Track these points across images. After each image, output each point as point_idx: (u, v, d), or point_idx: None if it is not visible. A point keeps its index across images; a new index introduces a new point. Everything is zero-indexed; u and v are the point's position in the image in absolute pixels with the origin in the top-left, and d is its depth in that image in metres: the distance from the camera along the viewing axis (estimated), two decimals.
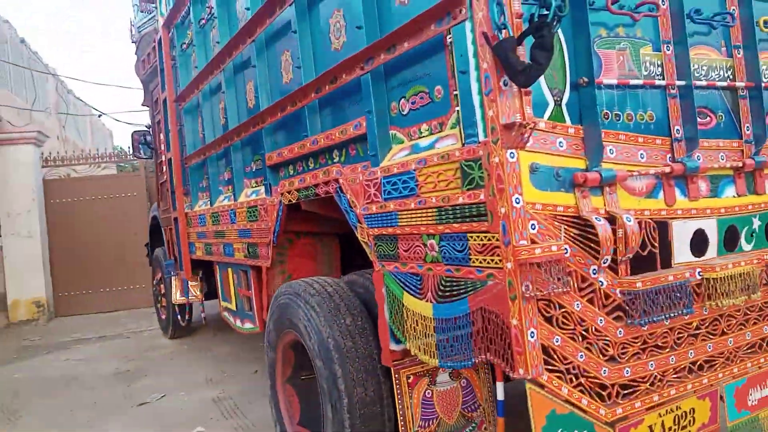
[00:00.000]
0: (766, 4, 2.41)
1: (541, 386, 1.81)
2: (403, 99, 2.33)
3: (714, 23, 2.24)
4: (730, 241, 2.29)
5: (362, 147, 2.55)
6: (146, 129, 7.09)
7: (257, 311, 3.93)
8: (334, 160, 2.84)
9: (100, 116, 19.17)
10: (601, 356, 1.94)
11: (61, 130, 14.48)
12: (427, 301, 2.20)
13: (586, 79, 1.92)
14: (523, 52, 1.72)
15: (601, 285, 1.92)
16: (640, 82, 2.06)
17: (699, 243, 2.21)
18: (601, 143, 1.92)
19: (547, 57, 1.72)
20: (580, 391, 1.89)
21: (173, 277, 6.16)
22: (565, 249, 1.87)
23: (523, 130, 1.77)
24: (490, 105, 1.78)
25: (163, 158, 5.84)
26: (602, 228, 1.87)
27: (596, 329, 1.93)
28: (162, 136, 5.78)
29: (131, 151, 7.53)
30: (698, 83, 2.20)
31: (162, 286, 7.18)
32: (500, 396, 2.15)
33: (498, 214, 1.80)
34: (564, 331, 1.87)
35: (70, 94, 14.52)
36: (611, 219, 1.94)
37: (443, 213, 2.04)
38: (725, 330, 2.25)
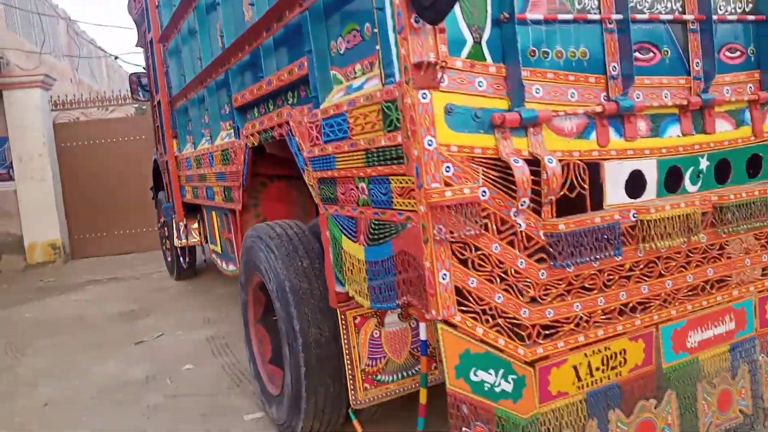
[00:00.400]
0: None
1: (454, 326, 1.84)
2: (340, 38, 2.29)
3: None
4: (672, 182, 2.24)
5: (308, 88, 2.52)
6: (143, 71, 7.09)
7: (237, 253, 4.01)
8: (288, 102, 2.83)
9: (116, 59, 19.19)
10: (520, 297, 1.95)
11: (74, 73, 14.56)
12: (360, 244, 2.22)
13: (507, 15, 1.86)
14: None
15: (520, 227, 1.91)
16: (570, 17, 1.98)
17: (636, 184, 2.17)
18: (523, 83, 1.87)
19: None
20: (497, 331, 1.91)
21: (173, 220, 6.28)
22: (483, 191, 1.86)
23: (435, 69, 1.74)
24: (402, 43, 1.74)
25: (154, 101, 5.87)
26: (519, 170, 1.84)
27: (516, 271, 1.93)
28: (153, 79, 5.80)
29: (130, 94, 7.57)
30: (639, 17, 2.11)
31: (165, 229, 7.34)
32: (422, 336, 2.19)
33: (412, 157, 1.79)
34: (480, 273, 1.87)
35: (81, 36, 14.49)
36: (535, 161, 1.91)
37: (370, 155, 2.04)
38: (663, 272, 2.23)
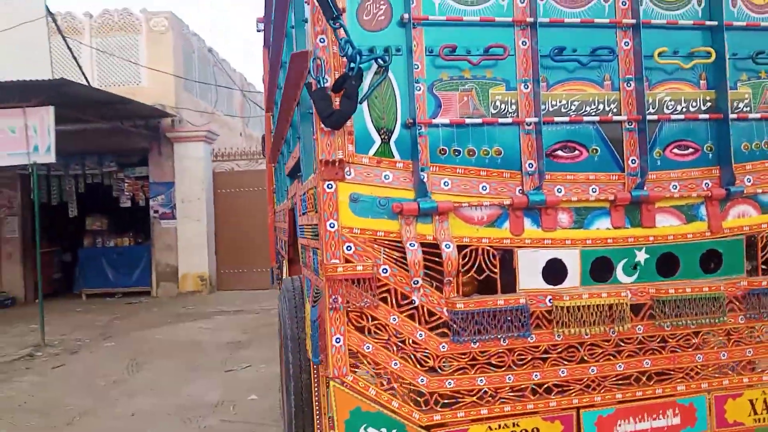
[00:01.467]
0: (665, 35, 2.37)
1: (346, 386, 2.13)
2: None
3: (581, 59, 2.29)
4: (599, 271, 2.33)
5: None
6: None
7: None
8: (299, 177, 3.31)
9: None
10: (418, 366, 2.18)
11: (245, 128, 16.56)
12: (310, 303, 2.59)
13: (410, 120, 2.16)
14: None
15: (414, 303, 2.16)
16: (479, 121, 2.22)
17: (555, 271, 2.30)
18: (423, 178, 2.15)
19: (350, 105, 2.04)
20: (392, 394, 2.16)
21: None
22: (385, 269, 2.15)
23: (339, 165, 2.10)
24: (316, 144, 2.14)
25: None
26: (412, 252, 2.11)
27: (414, 342, 2.18)
28: None
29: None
30: (559, 119, 2.28)
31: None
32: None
33: (321, 235, 2.15)
34: (377, 341, 2.15)
35: (250, 99, 16.46)
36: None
37: (311, 230, 2.42)
38: (585, 358, 2.31)
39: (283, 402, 3.24)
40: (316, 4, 2.03)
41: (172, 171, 11.05)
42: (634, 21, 2.33)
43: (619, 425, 2.34)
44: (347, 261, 2.12)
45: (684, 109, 2.41)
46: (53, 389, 5.77)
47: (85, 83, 8.89)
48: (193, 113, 11.92)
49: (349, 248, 2.13)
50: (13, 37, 7.27)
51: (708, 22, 2.41)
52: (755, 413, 2.46)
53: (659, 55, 2.35)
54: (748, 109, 2.46)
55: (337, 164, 2.11)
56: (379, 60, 2.13)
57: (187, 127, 11.23)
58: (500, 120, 2.25)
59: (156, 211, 11.40)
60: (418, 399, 2.20)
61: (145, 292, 11.54)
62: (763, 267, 2.49)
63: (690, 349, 2.40)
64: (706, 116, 2.41)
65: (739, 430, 2.46)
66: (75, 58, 8.73)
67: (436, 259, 2.16)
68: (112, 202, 11.95)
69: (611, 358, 2.34)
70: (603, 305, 2.27)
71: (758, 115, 2.45)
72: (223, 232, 11.41)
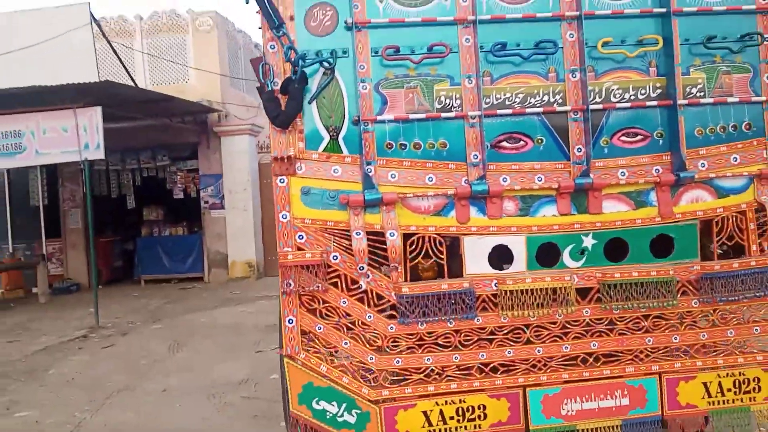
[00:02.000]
0: (612, 25, 2.42)
1: (299, 361, 2.33)
2: None
3: (522, 53, 2.37)
4: (546, 256, 2.43)
5: None
6: None
7: None
8: None
9: None
10: (367, 346, 2.36)
11: None
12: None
13: (356, 117, 2.32)
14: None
15: (362, 288, 2.33)
16: (423, 116, 2.35)
17: (501, 257, 2.41)
18: (368, 171, 2.31)
19: (294, 106, 2.23)
20: (342, 371, 2.35)
21: None
22: (335, 256, 2.33)
23: (290, 161, 2.29)
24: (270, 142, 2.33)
25: None
26: (357, 241, 2.28)
27: (363, 323, 2.35)
28: None
29: None
30: (501, 113, 2.38)
31: None
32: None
33: (276, 226, 2.35)
34: (328, 322, 2.34)
35: None
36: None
37: None
38: (531, 339, 2.42)
39: None
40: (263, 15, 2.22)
41: (220, 163, 11.53)
42: (577, 13, 2.39)
43: (565, 404, 2.44)
44: (299, 249, 2.31)
45: (632, 97, 2.46)
46: (100, 367, 6.25)
47: (132, 84, 9.39)
48: (239, 107, 12.35)
49: (300, 237, 2.32)
50: (63, 43, 7.80)
51: (656, 9, 2.44)
52: (709, 396, 2.50)
53: (603, 45, 2.40)
54: (702, 94, 2.48)
55: (287, 160, 2.29)
56: (324, 63, 2.29)
57: (233, 122, 11.66)
58: (444, 114, 2.38)
59: (206, 202, 11.92)
60: (368, 376, 2.37)
61: (198, 278, 12.12)
62: (720, 251, 2.52)
63: (639, 332, 2.47)
64: (655, 103, 2.45)
65: (693, 413, 2.51)
66: (121, 61, 9.25)
67: (385, 246, 2.32)
68: (167, 193, 12.56)
69: (558, 339, 2.44)
70: (547, 289, 2.37)
71: (711, 100, 2.47)
72: (269, 220, 11.81)
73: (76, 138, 7.93)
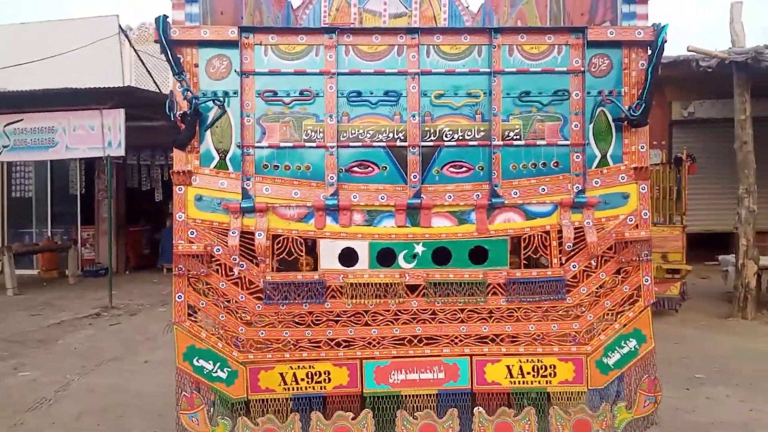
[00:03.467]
0: (436, 80, 3.07)
1: (184, 328, 3.06)
2: None
3: (371, 100, 3.05)
4: (384, 259, 3.10)
5: None
6: None
7: None
8: None
9: None
10: (239, 319, 3.08)
11: None
12: None
13: (239, 144, 3.04)
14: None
15: (234, 274, 3.05)
16: (290, 144, 3.06)
17: (349, 257, 3.10)
18: (246, 187, 3.02)
19: (188, 132, 2.98)
20: (218, 337, 3.07)
21: None
22: (218, 249, 3.06)
23: (186, 174, 3.04)
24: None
25: None
26: (231, 239, 3.00)
27: (236, 301, 3.07)
28: None
29: None
30: (353, 145, 3.06)
31: None
32: None
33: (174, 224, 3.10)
34: (209, 299, 3.07)
35: None
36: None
37: None
38: (369, 322, 3.09)
39: None
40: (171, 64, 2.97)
41: None
42: (418, 70, 3.06)
43: (393, 374, 3.11)
44: (190, 242, 3.05)
45: (460, 137, 3.10)
46: (101, 341, 7.17)
47: (155, 88, 10.38)
48: None
49: (192, 233, 3.06)
50: (94, 50, 8.80)
51: (482, 69, 3.08)
52: (511, 376, 3.13)
53: (437, 96, 3.07)
54: (518, 137, 3.10)
55: (185, 173, 3.04)
56: (216, 101, 3.03)
57: None
58: (309, 144, 3.08)
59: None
60: (238, 343, 3.09)
61: None
62: (525, 262, 3.14)
63: (456, 322, 3.11)
64: (476, 143, 3.09)
65: (496, 389, 3.13)
66: (146, 67, 10.23)
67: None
68: None
69: (390, 323, 3.11)
70: (382, 284, 3.05)
71: (523, 142, 3.09)
72: None
73: (101, 136, 8.94)
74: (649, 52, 3.08)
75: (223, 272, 3.09)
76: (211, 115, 3.07)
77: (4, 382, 5.54)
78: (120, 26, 8.84)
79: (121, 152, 9.02)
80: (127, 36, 9.50)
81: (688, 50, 7.04)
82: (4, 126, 9.41)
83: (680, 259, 7.41)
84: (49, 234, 13.66)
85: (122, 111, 8.86)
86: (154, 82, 10.51)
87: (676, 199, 7.73)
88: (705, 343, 6.41)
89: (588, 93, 3.11)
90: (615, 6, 3.25)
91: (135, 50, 9.96)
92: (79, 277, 12.34)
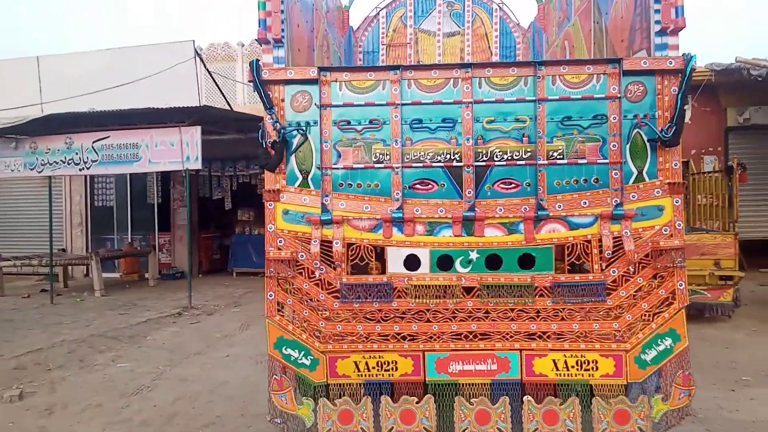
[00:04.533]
0: (487, 107, 3.52)
1: (275, 322, 3.62)
2: None
3: (431, 126, 3.53)
4: (443, 264, 3.57)
5: None
6: None
7: None
8: None
9: None
10: (320, 315, 3.61)
11: None
12: None
13: (318, 166, 3.58)
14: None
15: (316, 276, 3.58)
16: (362, 166, 3.57)
17: (413, 262, 3.58)
18: (325, 202, 3.56)
19: (277, 158, 3.53)
20: (302, 330, 3.61)
21: None
22: (302, 255, 3.61)
23: (276, 192, 3.60)
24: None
25: None
26: (313, 246, 3.54)
27: (318, 300, 3.61)
28: None
29: None
30: (415, 165, 3.55)
31: None
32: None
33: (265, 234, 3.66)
34: (295, 297, 3.62)
35: None
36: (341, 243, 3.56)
37: None
38: (430, 319, 3.57)
39: None
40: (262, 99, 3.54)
41: None
42: (471, 100, 3.53)
43: (451, 365, 3.57)
44: (278, 249, 3.61)
45: (509, 158, 3.54)
46: (184, 337, 7.90)
47: (226, 106, 11.17)
48: None
49: (280, 242, 3.61)
50: (173, 72, 9.64)
51: (528, 98, 3.52)
52: (557, 369, 3.54)
53: (488, 122, 3.53)
54: (561, 157, 3.52)
55: (274, 192, 3.60)
56: (299, 130, 3.58)
57: None
58: (377, 165, 3.59)
59: None
60: (318, 335, 3.62)
61: None
62: (569, 267, 3.55)
63: (506, 320, 3.55)
64: (524, 163, 3.53)
65: (543, 380, 3.55)
66: (218, 87, 11.04)
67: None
68: (258, 198, 14.36)
69: (448, 320, 3.57)
70: (441, 286, 3.53)
71: (566, 161, 3.51)
72: None
73: (180, 151, 9.76)
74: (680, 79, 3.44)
75: (306, 275, 3.62)
76: (295, 142, 3.62)
77: (107, 371, 6.28)
78: (196, 50, 9.63)
79: (198, 165, 9.80)
80: (202, 59, 10.30)
81: (737, 61, 7.20)
82: (93, 142, 10.36)
83: (733, 265, 7.55)
84: (129, 240, 14.73)
85: (199, 128, 9.65)
86: (225, 99, 11.30)
87: (729, 207, 7.86)
88: (755, 348, 6.57)
89: (624, 116, 3.50)
90: (650, 36, 3.62)
91: (207, 70, 10.76)
92: (157, 279, 13.30)
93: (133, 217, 14.98)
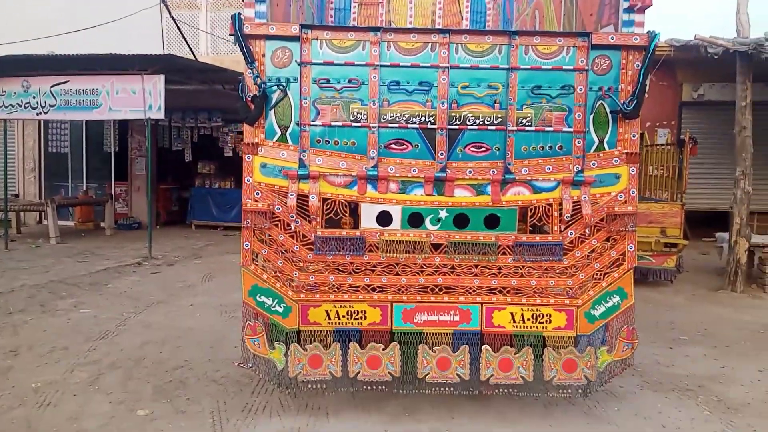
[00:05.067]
0: (463, 73, 3.68)
1: (250, 270, 3.76)
2: None
3: (408, 89, 3.67)
4: (414, 221, 3.76)
5: None
6: None
7: None
8: None
9: None
10: (293, 265, 3.77)
11: None
12: None
13: (298, 122, 3.69)
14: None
15: (291, 229, 3.73)
16: (340, 124, 3.70)
17: (385, 219, 3.76)
18: (302, 157, 3.68)
19: (257, 111, 3.62)
20: (276, 279, 3.77)
21: None
22: (278, 207, 3.73)
23: (254, 146, 3.70)
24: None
25: None
26: (290, 200, 3.67)
27: (292, 251, 3.76)
28: None
29: None
30: (391, 126, 3.70)
31: None
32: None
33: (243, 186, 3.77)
34: (270, 247, 3.76)
35: None
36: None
37: None
38: (399, 273, 3.77)
39: None
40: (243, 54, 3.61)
41: None
42: (447, 65, 3.67)
43: (417, 315, 3.80)
44: (255, 201, 3.73)
45: (480, 122, 3.72)
46: (146, 286, 7.95)
47: (191, 56, 10.97)
48: None
49: (257, 194, 3.73)
50: (136, 18, 9.40)
51: (501, 66, 3.69)
52: (514, 322, 3.81)
53: (462, 87, 3.68)
54: (530, 124, 3.72)
55: (252, 145, 3.70)
56: (279, 86, 3.67)
57: None
58: (355, 124, 3.72)
59: None
60: (292, 284, 3.79)
61: (239, 227, 13.75)
62: (531, 228, 3.80)
63: (470, 275, 3.78)
64: (494, 128, 3.71)
65: (500, 331, 3.82)
66: (183, 36, 10.83)
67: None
68: (219, 151, 14.25)
69: (416, 274, 3.78)
70: (411, 242, 3.72)
71: (533, 128, 3.71)
72: None
73: (143, 99, 9.59)
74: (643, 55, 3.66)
75: (282, 227, 3.76)
76: (275, 97, 3.71)
77: (70, 316, 6.33)
78: None
79: (161, 115, 9.67)
80: (167, 7, 10.06)
81: (695, 38, 7.51)
82: (51, 86, 10.07)
83: (678, 234, 8.01)
84: (84, 188, 14.45)
85: (162, 77, 9.49)
86: (189, 48, 11.09)
87: (678, 179, 8.29)
88: (693, 311, 7.06)
89: (590, 88, 3.71)
90: (618, 12, 3.82)
91: (173, 18, 10.52)
92: (114, 229, 13.16)
93: (88, 165, 14.67)
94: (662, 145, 9.16)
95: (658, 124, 11.80)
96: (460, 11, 7.63)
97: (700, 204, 11.66)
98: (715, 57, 7.72)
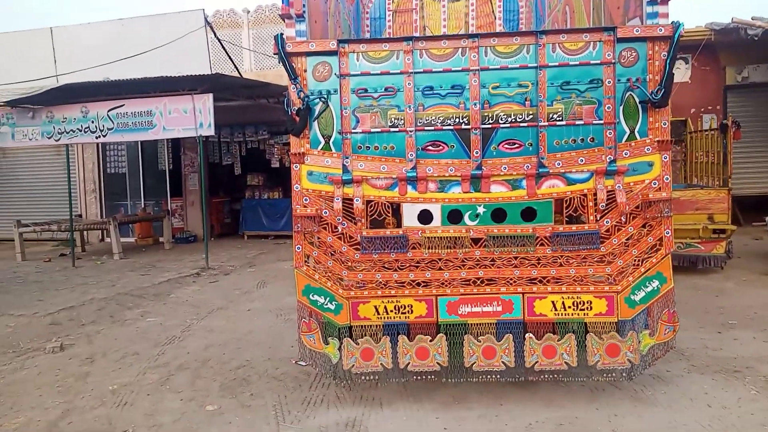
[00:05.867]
0: (493, 74, 3.86)
1: (302, 271, 4.03)
2: None
3: (441, 93, 3.88)
4: (453, 218, 3.96)
5: None
6: None
7: None
8: None
9: None
10: (342, 265, 4.02)
11: None
12: None
13: (339, 131, 3.94)
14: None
15: (339, 230, 3.98)
16: (379, 130, 3.93)
17: (426, 217, 3.97)
18: (346, 164, 3.93)
19: (302, 123, 3.89)
20: (327, 278, 4.03)
21: None
22: (325, 212, 4.00)
23: (301, 155, 3.98)
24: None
25: None
26: (336, 203, 3.93)
27: (340, 252, 4.01)
28: None
29: None
30: (427, 129, 3.91)
31: None
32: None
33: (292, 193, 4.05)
34: (320, 249, 4.03)
35: None
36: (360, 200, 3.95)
37: None
38: (442, 267, 3.98)
39: None
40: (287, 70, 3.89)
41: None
42: (478, 68, 3.87)
43: (461, 307, 3.99)
44: (304, 207, 4.00)
45: (512, 120, 3.90)
46: (206, 294, 8.37)
47: (236, 73, 11.43)
48: None
49: (306, 200, 4.00)
50: (183, 41, 9.90)
51: (530, 65, 3.86)
52: (555, 310, 3.96)
53: (493, 87, 3.87)
54: (561, 118, 3.87)
55: (299, 155, 3.97)
56: (321, 98, 3.93)
57: None
58: (393, 129, 3.95)
59: None
60: (341, 282, 4.04)
61: (289, 235, 14.00)
62: (567, 219, 3.95)
63: (510, 267, 3.96)
64: (526, 124, 3.88)
65: (543, 320, 3.97)
66: (228, 55, 11.28)
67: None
68: (266, 163, 14.73)
69: (458, 268, 3.98)
70: (452, 237, 3.93)
71: (564, 123, 3.86)
72: None
73: (194, 118, 10.08)
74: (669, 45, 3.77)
75: (330, 229, 4.02)
76: (318, 109, 3.98)
77: (138, 325, 6.76)
78: (206, 19, 9.87)
79: (212, 132, 10.13)
80: (212, 27, 10.54)
81: (733, 21, 7.44)
82: (108, 110, 10.68)
83: (725, 219, 7.93)
84: (143, 206, 15.16)
85: (211, 96, 9.95)
86: (234, 66, 11.56)
87: (723, 163, 8.20)
88: (743, 296, 7.00)
89: (618, 80, 3.84)
90: (642, 4, 3.94)
91: (218, 38, 11.00)
92: (172, 243, 13.76)
93: (145, 183, 15.37)
94: (706, 130, 9.05)
95: (702, 109, 11.60)
96: (493, 11, 7.81)
97: (751, 189, 11.41)
98: (756, 38, 7.63)
